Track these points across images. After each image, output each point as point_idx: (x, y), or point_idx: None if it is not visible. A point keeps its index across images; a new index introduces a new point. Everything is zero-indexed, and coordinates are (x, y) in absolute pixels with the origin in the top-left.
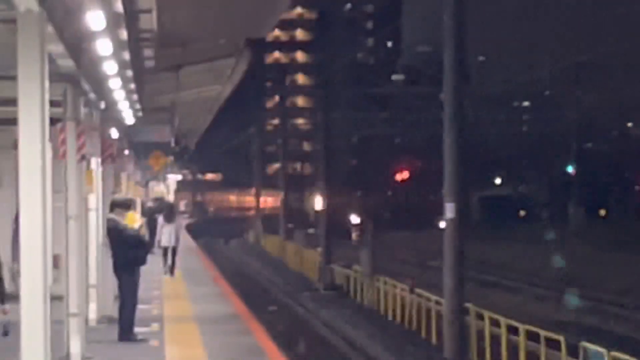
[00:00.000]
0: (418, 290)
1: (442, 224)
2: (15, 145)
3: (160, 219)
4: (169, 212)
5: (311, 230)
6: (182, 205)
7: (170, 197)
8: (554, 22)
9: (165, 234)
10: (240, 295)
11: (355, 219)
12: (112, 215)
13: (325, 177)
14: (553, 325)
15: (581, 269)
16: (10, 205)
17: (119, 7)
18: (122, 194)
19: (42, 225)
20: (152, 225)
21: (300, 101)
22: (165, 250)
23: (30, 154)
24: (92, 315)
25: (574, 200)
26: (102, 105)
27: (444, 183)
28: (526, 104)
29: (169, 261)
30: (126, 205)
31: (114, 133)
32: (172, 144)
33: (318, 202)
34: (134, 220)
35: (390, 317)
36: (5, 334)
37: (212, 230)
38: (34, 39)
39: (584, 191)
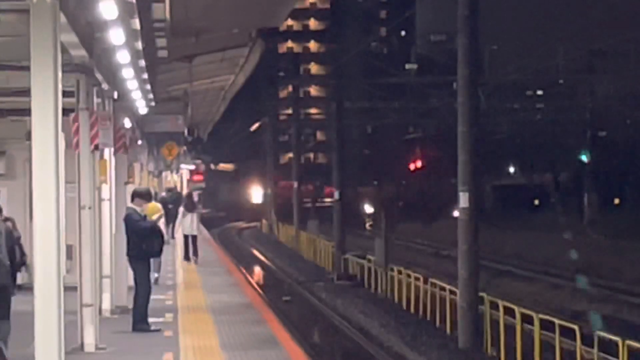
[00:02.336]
0: (432, 280)
1: (456, 214)
2: (28, 136)
3: (181, 208)
4: (189, 201)
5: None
6: (195, 196)
7: (184, 187)
8: (568, 10)
9: (187, 223)
10: (254, 285)
11: (368, 208)
12: (130, 205)
13: (338, 167)
14: (568, 315)
15: (595, 258)
16: (23, 196)
17: None
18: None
19: (56, 216)
20: (165, 216)
21: (313, 91)
22: (186, 238)
23: (44, 144)
24: (106, 305)
25: (589, 189)
26: (115, 95)
27: (457, 172)
28: (540, 92)
29: (190, 248)
30: (147, 195)
31: (127, 123)
32: (185, 134)
33: (257, 195)
34: (154, 211)
35: (404, 307)
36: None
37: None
38: (47, 29)
39: (599, 180)
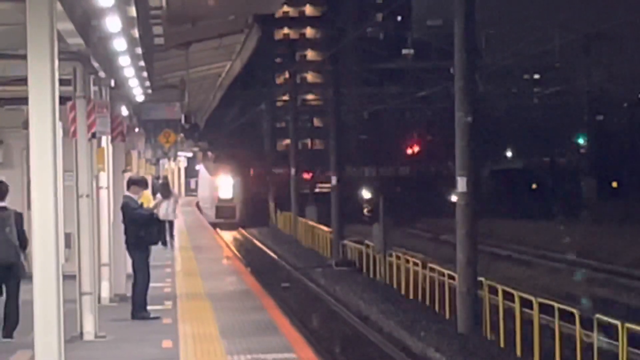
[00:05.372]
0: (431, 265)
1: (454, 198)
2: (25, 125)
3: (158, 195)
4: (165, 188)
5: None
6: (192, 183)
7: (182, 175)
8: None
9: (163, 209)
10: (253, 271)
11: (366, 194)
12: (127, 193)
13: (336, 152)
14: (566, 298)
15: (593, 242)
16: (21, 185)
17: None
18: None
19: (54, 205)
20: None
21: (310, 77)
22: (162, 223)
23: (41, 133)
24: (105, 293)
25: (586, 173)
26: (112, 83)
27: (455, 157)
28: (537, 76)
29: (168, 234)
30: (143, 183)
31: (124, 111)
32: (182, 121)
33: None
34: (150, 199)
35: (403, 292)
36: None
37: None
38: (44, 17)
39: (596, 163)
